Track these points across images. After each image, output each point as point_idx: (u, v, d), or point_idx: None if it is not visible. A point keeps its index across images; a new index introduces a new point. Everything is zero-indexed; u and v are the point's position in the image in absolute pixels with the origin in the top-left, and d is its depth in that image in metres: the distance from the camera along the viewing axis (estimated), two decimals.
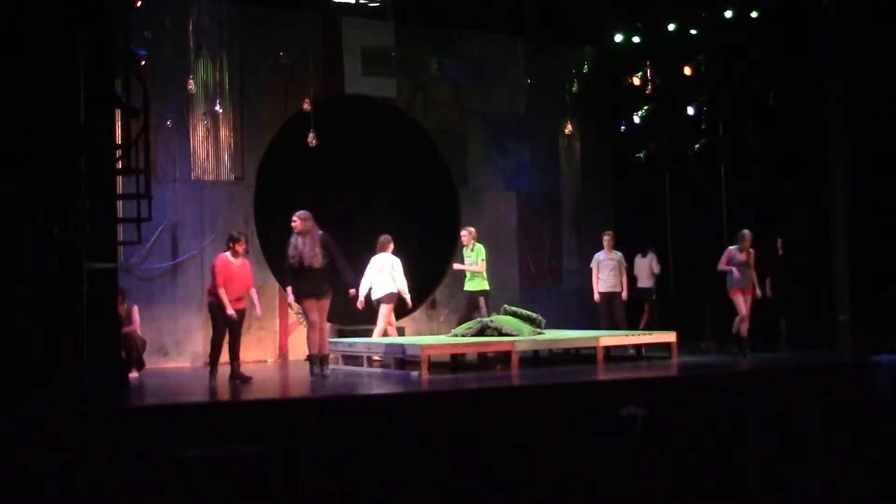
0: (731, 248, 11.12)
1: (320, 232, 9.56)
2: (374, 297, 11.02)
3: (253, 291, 9.59)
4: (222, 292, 9.19)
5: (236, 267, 9.37)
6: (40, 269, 7.41)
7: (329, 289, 9.59)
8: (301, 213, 9.62)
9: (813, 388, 8.88)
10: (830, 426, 7.31)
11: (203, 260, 11.71)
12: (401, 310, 12.96)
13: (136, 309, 10.40)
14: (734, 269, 10.95)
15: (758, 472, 6.10)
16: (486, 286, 11.49)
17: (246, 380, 9.12)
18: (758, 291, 11.24)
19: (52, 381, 7.23)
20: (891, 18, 11.06)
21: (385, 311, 11.03)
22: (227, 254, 9.40)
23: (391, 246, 11.16)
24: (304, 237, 9.47)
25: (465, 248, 11.63)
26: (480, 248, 11.54)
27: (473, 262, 11.48)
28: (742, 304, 10.98)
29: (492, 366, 10.18)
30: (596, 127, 14.48)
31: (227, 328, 9.30)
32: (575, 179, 14.54)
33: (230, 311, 9.18)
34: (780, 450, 6.65)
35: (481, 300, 11.41)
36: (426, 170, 13.54)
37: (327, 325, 10.03)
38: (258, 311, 9.82)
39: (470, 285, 11.50)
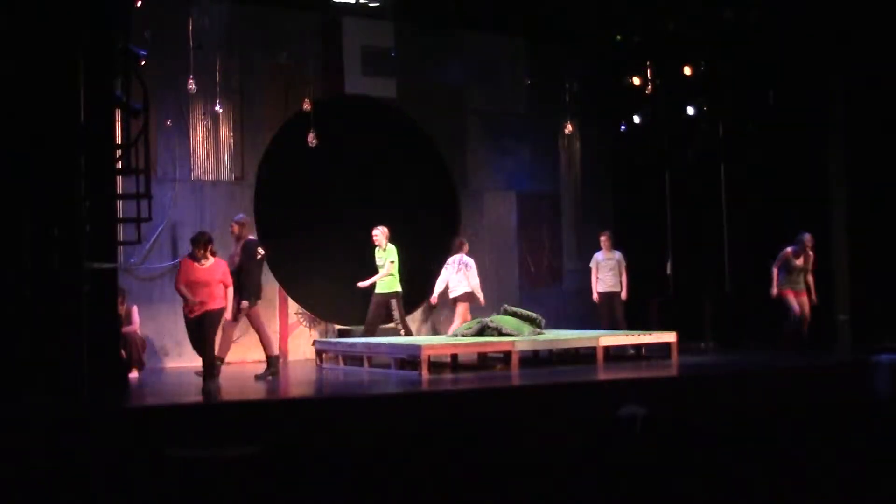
0: (787, 249, 10.86)
1: (250, 238, 9.74)
2: (451, 295, 11.87)
3: (228, 292, 9.08)
4: (181, 289, 8.87)
5: (201, 270, 8.88)
6: (40, 269, 7.41)
7: (244, 295, 9.46)
8: (239, 217, 9.90)
9: (813, 388, 8.88)
10: (830, 426, 7.31)
11: None
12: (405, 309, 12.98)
13: (135, 309, 10.40)
14: (781, 273, 10.78)
15: (757, 473, 6.10)
16: (397, 287, 11.28)
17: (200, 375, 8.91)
18: (813, 297, 10.95)
19: (51, 381, 7.23)
20: (891, 18, 11.06)
21: (461, 309, 11.75)
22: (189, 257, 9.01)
23: (466, 247, 12.02)
24: (237, 242, 9.72)
25: (376, 249, 11.37)
26: (392, 248, 11.32)
27: (383, 262, 11.27)
28: (794, 301, 10.78)
29: (492, 366, 10.19)
30: (596, 127, 14.47)
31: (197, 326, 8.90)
32: (575, 179, 14.54)
33: (186, 308, 8.86)
34: (779, 450, 6.65)
35: (393, 302, 11.24)
36: (426, 170, 13.53)
37: (263, 327, 9.78)
38: (228, 314, 9.20)
39: (380, 286, 11.29)
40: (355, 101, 12.87)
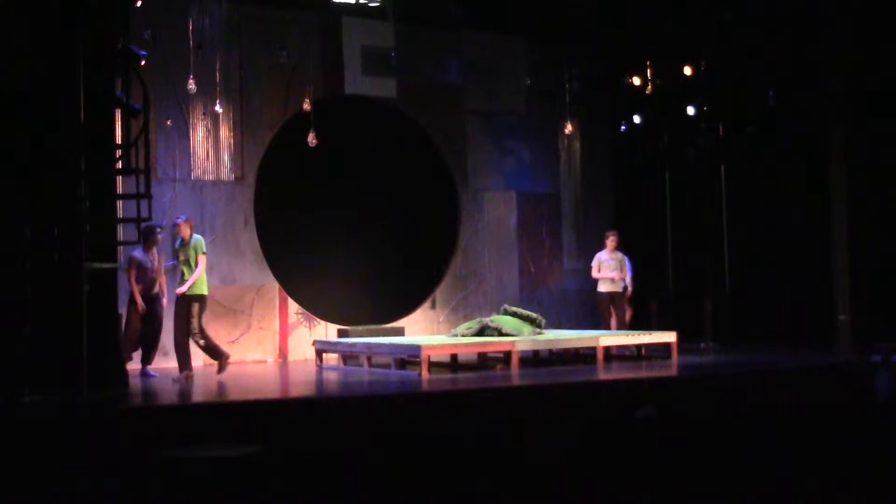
0: None
1: None
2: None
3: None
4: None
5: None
6: (40, 269, 7.41)
7: None
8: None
9: (813, 388, 8.88)
10: (830, 426, 7.31)
11: None
12: (402, 310, 13.00)
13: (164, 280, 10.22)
14: None
15: (758, 473, 6.10)
16: (203, 290, 9.54)
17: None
18: None
19: (51, 381, 7.23)
20: (891, 18, 11.06)
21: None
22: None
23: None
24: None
25: (178, 242, 9.72)
26: (200, 240, 9.67)
27: (191, 258, 9.49)
28: None
29: (492, 366, 10.19)
30: (596, 127, 14.47)
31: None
32: (575, 179, 14.54)
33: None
34: (779, 450, 6.65)
35: (196, 307, 9.41)
36: (426, 170, 13.53)
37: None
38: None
39: (185, 287, 9.49)
40: (355, 101, 12.87)
